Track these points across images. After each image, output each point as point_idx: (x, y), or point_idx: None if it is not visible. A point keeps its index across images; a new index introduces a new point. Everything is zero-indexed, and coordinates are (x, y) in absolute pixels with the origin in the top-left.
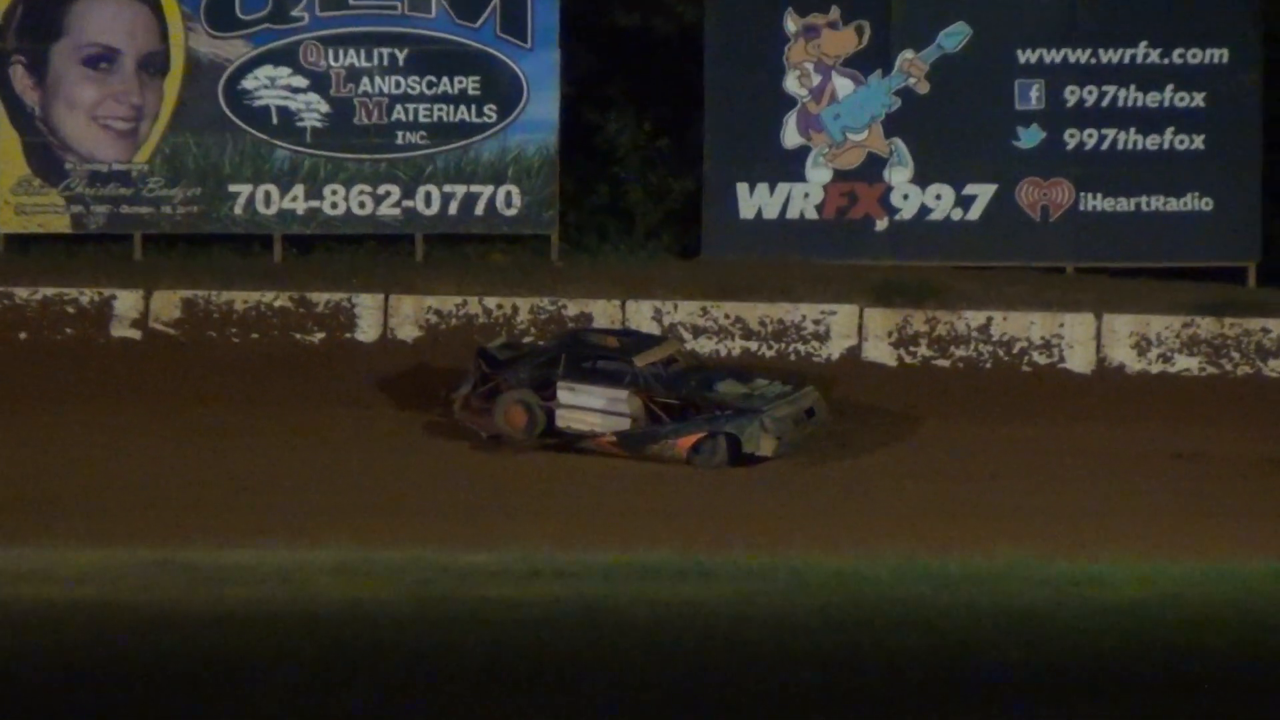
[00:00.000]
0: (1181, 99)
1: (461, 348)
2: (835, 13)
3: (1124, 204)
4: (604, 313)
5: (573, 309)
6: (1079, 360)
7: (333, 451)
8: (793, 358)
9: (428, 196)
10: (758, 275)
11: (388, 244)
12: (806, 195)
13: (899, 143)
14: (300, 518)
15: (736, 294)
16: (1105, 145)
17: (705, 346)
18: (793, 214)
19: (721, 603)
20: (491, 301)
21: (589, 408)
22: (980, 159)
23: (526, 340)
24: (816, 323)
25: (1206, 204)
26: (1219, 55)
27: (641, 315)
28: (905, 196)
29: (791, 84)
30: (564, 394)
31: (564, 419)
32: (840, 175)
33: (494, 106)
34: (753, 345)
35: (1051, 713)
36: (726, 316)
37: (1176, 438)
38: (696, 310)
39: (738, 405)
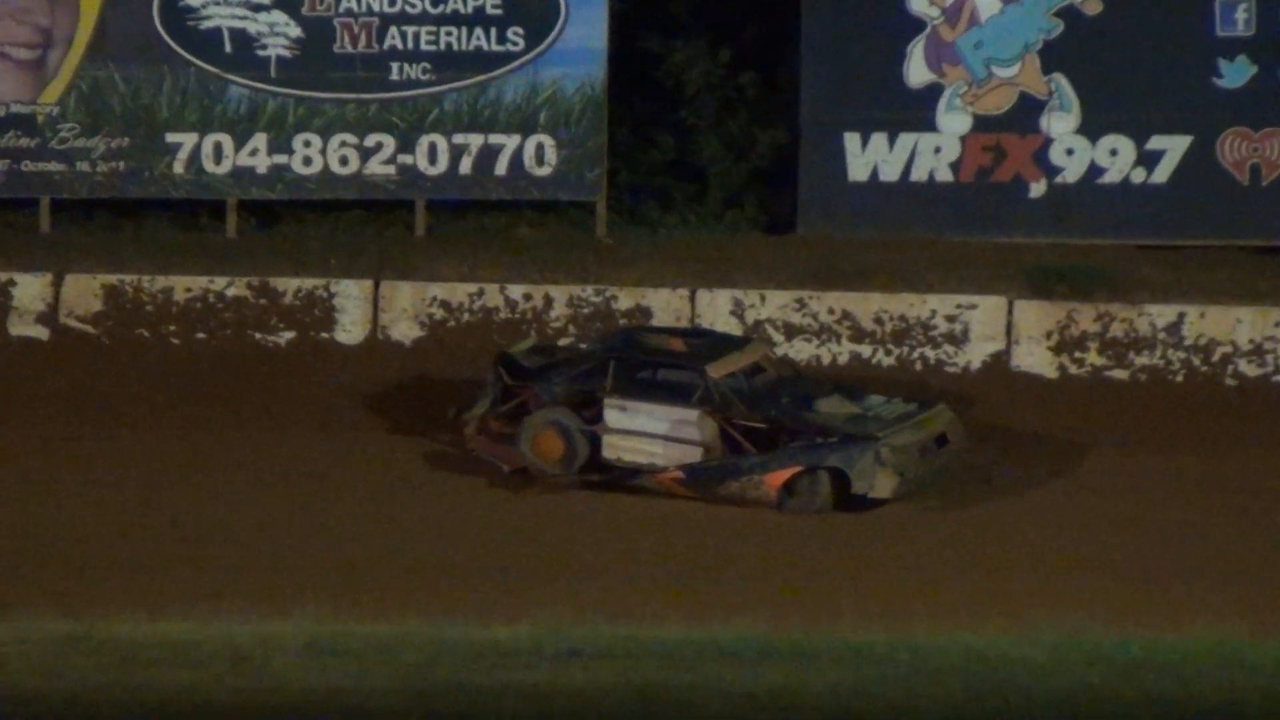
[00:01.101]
0: None
1: (476, 352)
2: None
3: None
4: (667, 306)
5: (625, 301)
6: None
7: (304, 489)
8: (918, 366)
9: (432, 151)
10: (872, 257)
11: (379, 214)
12: (938, 150)
13: (1061, 80)
14: (261, 578)
15: (844, 282)
16: None
17: (802, 352)
18: (919, 175)
19: (823, 693)
20: (517, 290)
21: (646, 433)
22: (1170, 103)
23: (563, 343)
24: (951, 320)
25: None
26: None
27: (717, 310)
28: (1069, 152)
29: (919, 1)
30: (613, 415)
31: (613, 448)
32: (983, 124)
33: (520, 30)
34: (865, 350)
35: None
36: (830, 312)
37: None
38: (790, 303)
39: (845, 430)
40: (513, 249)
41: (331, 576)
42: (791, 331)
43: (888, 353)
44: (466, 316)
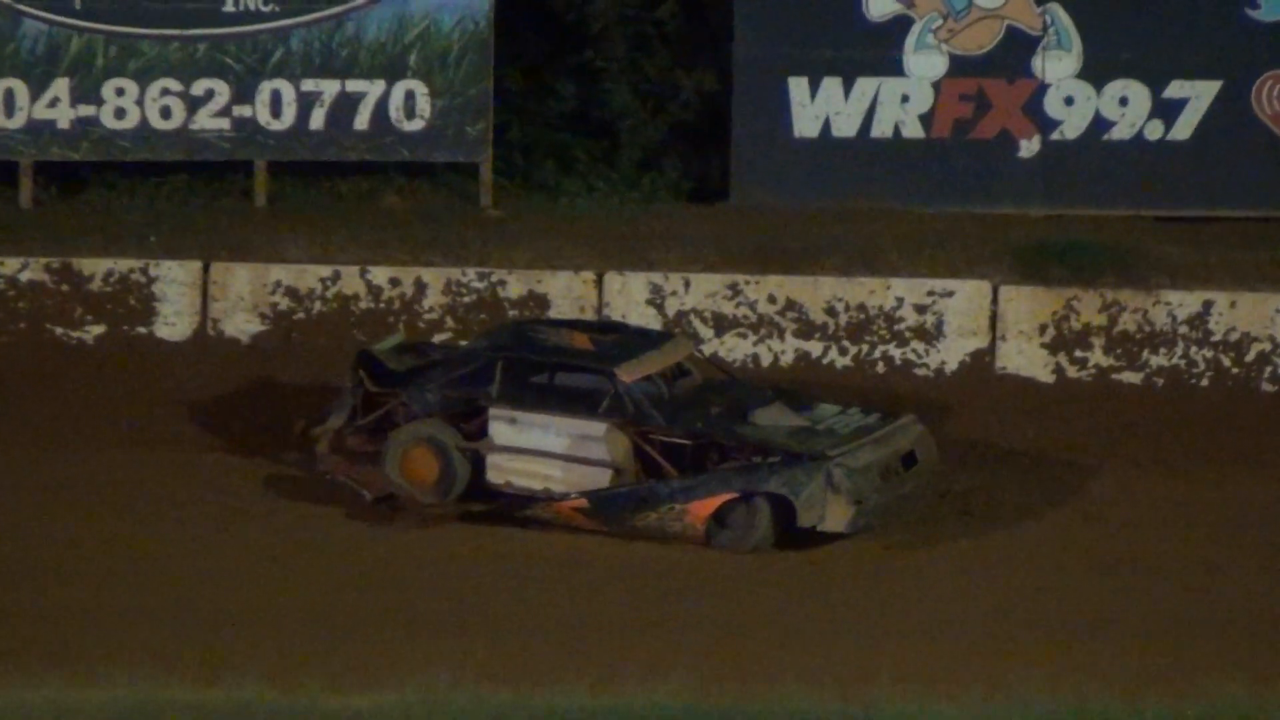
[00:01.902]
0: None
1: (330, 351)
2: None
3: None
4: (568, 293)
5: (516, 287)
6: None
7: (114, 522)
8: (881, 368)
9: (275, 101)
10: (823, 232)
11: (209, 179)
12: (905, 99)
13: (1058, 12)
14: (57, 633)
15: (788, 263)
16: None
17: (736, 350)
18: (881, 130)
19: None
20: (381, 274)
21: (542, 451)
22: (1193, 40)
23: (438, 340)
24: (921, 310)
25: None
26: None
27: (630, 298)
28: (1068, 101)
29: None
30: (500, 429)
31: (500, 470)
32: (961, 65)
33: None
34: (815, 348)
35: None
36: (771, 300)
37: None
38: (721, 290)
39: (789, 447)
40: (376, 223)
41: (147, 630)
42: (723, 325)
43: (842, 351)
44: (319, 307)
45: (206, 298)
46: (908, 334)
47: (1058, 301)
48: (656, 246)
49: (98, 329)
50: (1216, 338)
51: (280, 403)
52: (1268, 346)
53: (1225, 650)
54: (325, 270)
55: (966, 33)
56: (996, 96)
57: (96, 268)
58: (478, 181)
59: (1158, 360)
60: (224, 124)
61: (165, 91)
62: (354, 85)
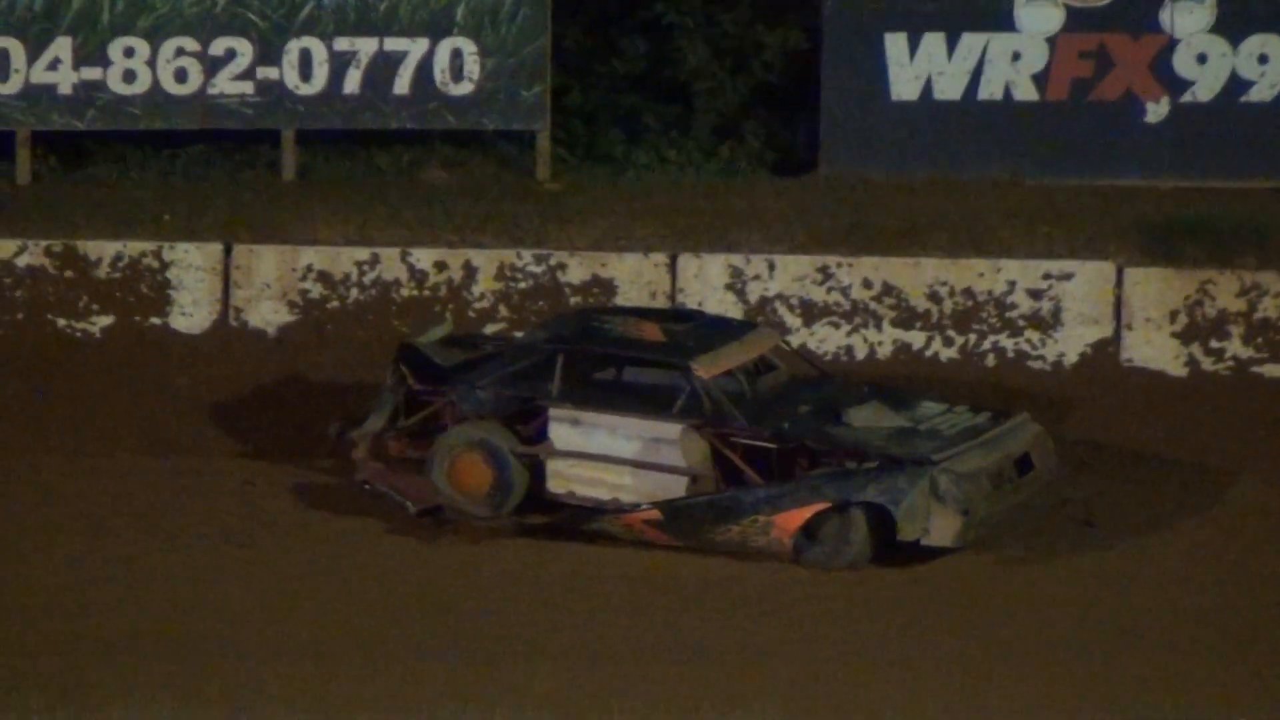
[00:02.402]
0: None
1: (368, 344)
2: None
3: None
4: (637, 278)
5: (577, 270)
6: None
7: (126, 537)
8: (991, 361)
9: (304, 61)
10: (924, 207)
11: (230, 150)
12: (1017, 57)
13: None
14: (65, 663)
15: (885, 243)
16: None
17: (828, 341)
18: (990, 92)
19: None
20: (426, 257)
21: (609, 457)
22: None
23: (491, 331)
24: (1036, 295)
25: None
26: None
27: (708, 283)
28: (1200, 59)
29: None
30: (562, 431)
31: (561, 478)
32: (1080, 19)
33: None
34: (916, 338)
35: None
36: (866, 285)
37: None
38: (810, 273)
39: (889, 451)
40: (419, 200)
41: (162, 660)
42: (812, 312)
43: (948, 342)
44: (355, 294)
45: (228, 284)
46: (1021, 322)
47: (1190, 285)
48: (736, 224)
49: (105, 320)
50: None
51: (311, 403)
52: None
53: None
54: (362, 253)
55: None
56: (1120, 53)
57: (103, 251)
58: (534, 152)
59: None
60: (247, 88)
61: (180, 51)
62: (393, 44)
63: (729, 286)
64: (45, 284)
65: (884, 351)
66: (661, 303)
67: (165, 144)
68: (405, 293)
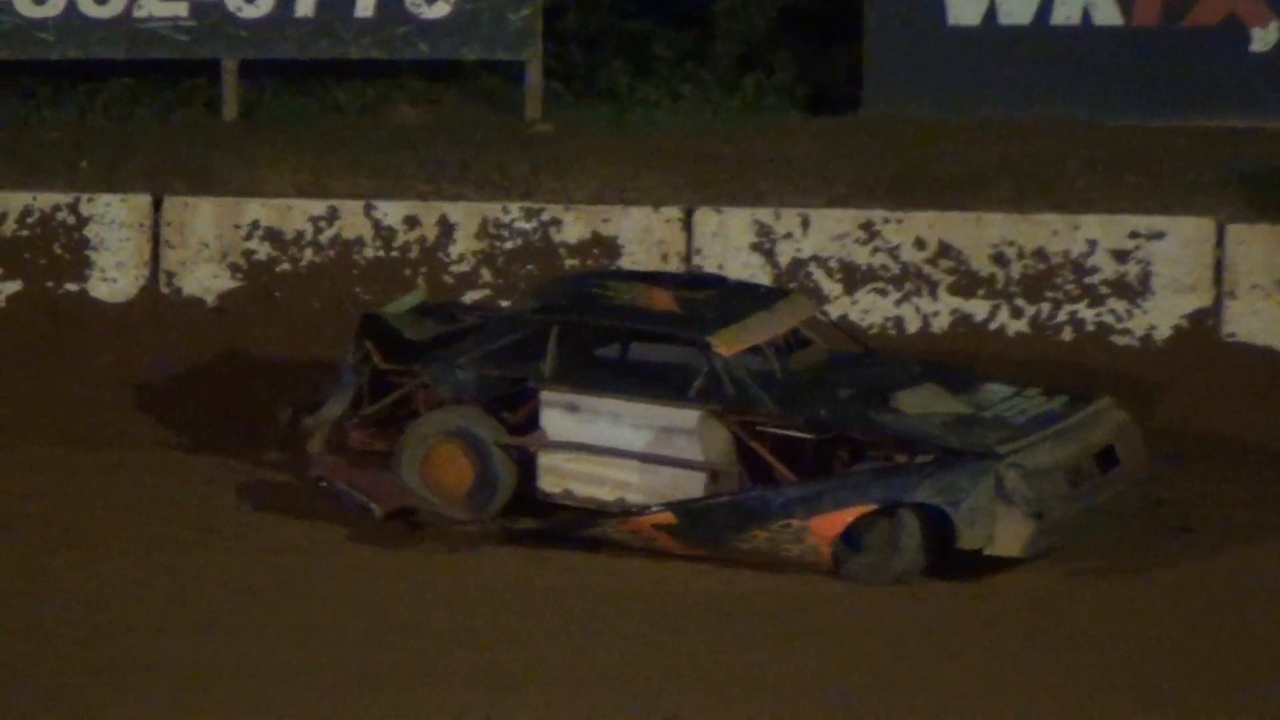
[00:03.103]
0: None
1: (325, 315)
2: None
3: None
4: (645, 235)
5: (575, 226)
6: None
7: (36, 543)
8: (1067, 335)
9: None
10: (988, 153)
11: (161, 85)
12: None
13: None
14: None
15: (941, 194)
16: None
17: (873, 310)
18: (1065, 15)
19: None
20: (393, 210)
21: (612, 449)
22: None
23: (471, 300)
24: (1121, 257)
25: None
26: None
27: (730, 241)
28: None
29: None
30: (556, 418)
31: (556, 475)
32: None
33: None
34: (978, 307)
35: None
36: (919, 245)
37: None
38: (852, 229)
39: (946, 442)
40: (387, 143)
41: (68, 696)
42: (855, 277)
43: (1016, 312)
44: (309, 255)
45: (158, 244)
46: (1103, 289)
47: None
48: (764, 173)
49: (11, 286)
50: None
51: (258, 385)
52: None
53: None
54: (318, 207)
55: None
56: None
57: (8, 205)
58: (522, 87)
59: None
60: (180, 9)
61: None
62: None
63: (755, 246)
64: None
65: (940, 323)
66: (674, 266)
67: (83, 77)
68: (369, 253)
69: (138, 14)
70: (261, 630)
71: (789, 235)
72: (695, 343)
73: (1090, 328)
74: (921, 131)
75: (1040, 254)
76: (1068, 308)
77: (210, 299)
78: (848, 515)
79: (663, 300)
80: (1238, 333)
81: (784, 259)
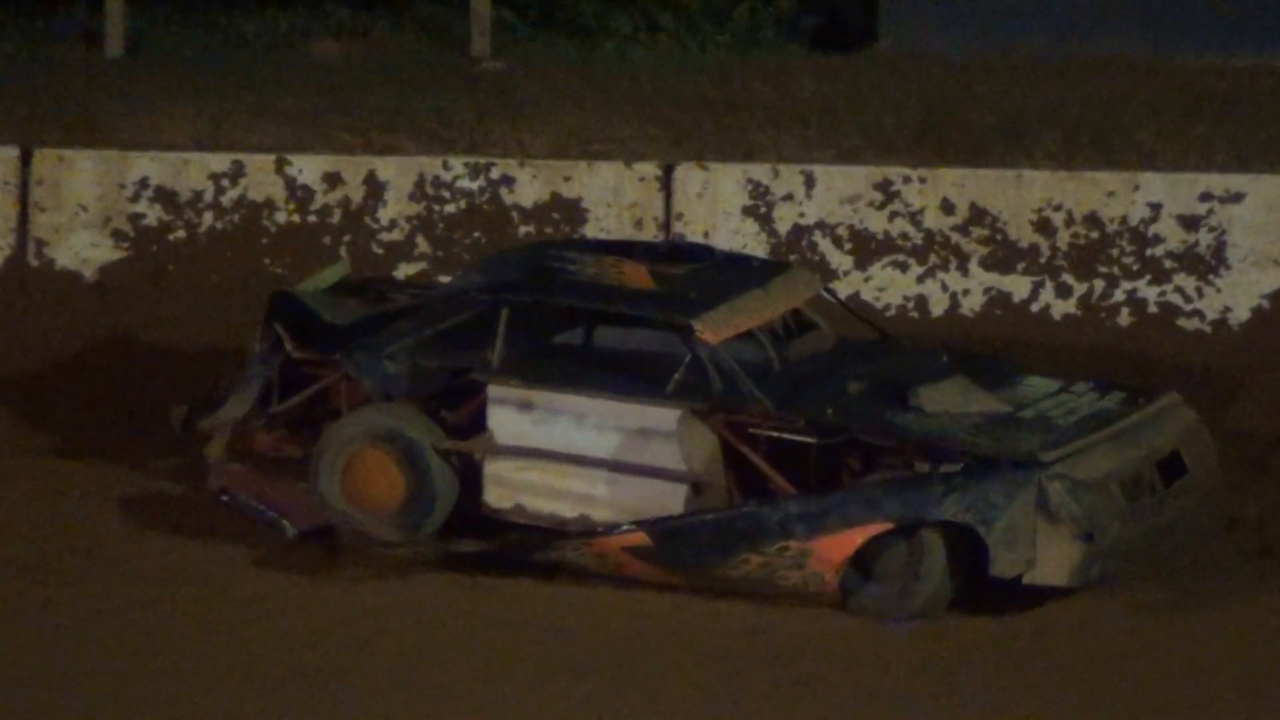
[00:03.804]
0: None
1: (229, 291)
2: None
3: None
4: (615, 196)
5: (530, 186)
6: None
7: None
8: (1125, 318)
9: None
10: (1029, 97)
11: (29, 12)
12: None
13: None
14: None
15: (973, 147)
16: None
17: (891, 288)
18: None
19: None
20: (311, 166)
21: (574, 456)
22: None
23: (405, 275)
24: (1190, 224)
25: None
26: None
27: (718, 204)
28: None
29: None
30: (507, 418)
31: (506, 487)
32: None
33: None
34: (1017, 285)
35: None
36: (947, 208)
37: None
38: (865, 190)
39: (976, 448)
40: (303, 85)
41: None
42: (869, 248)
43: (1063, 291)
44: (209, 220)
45: (26, 206)
46: (1168, 263)
47: None
48: (759, 122)
49: None
50: None
51: (146, 376)
52: None
53: None
54: (220, 161)
55: None
56: None
57: None
58: (468, 16)
59: None
60: None
61: None
62: None
63: (749, 211)
64: None
65: (971, 303)
66: (651, 234)
67: None
68: (282, 218)
69: None
70: (142, 675)
71: (789, 197)
72: (675, 327)
73: (1153, 309)
74: (949, 71)
75: (1093, 220)
76: (1125, 285)
77: (89, 273)
78: (858, 536)
79: (636, 276)
80: None
81: (783, 226)
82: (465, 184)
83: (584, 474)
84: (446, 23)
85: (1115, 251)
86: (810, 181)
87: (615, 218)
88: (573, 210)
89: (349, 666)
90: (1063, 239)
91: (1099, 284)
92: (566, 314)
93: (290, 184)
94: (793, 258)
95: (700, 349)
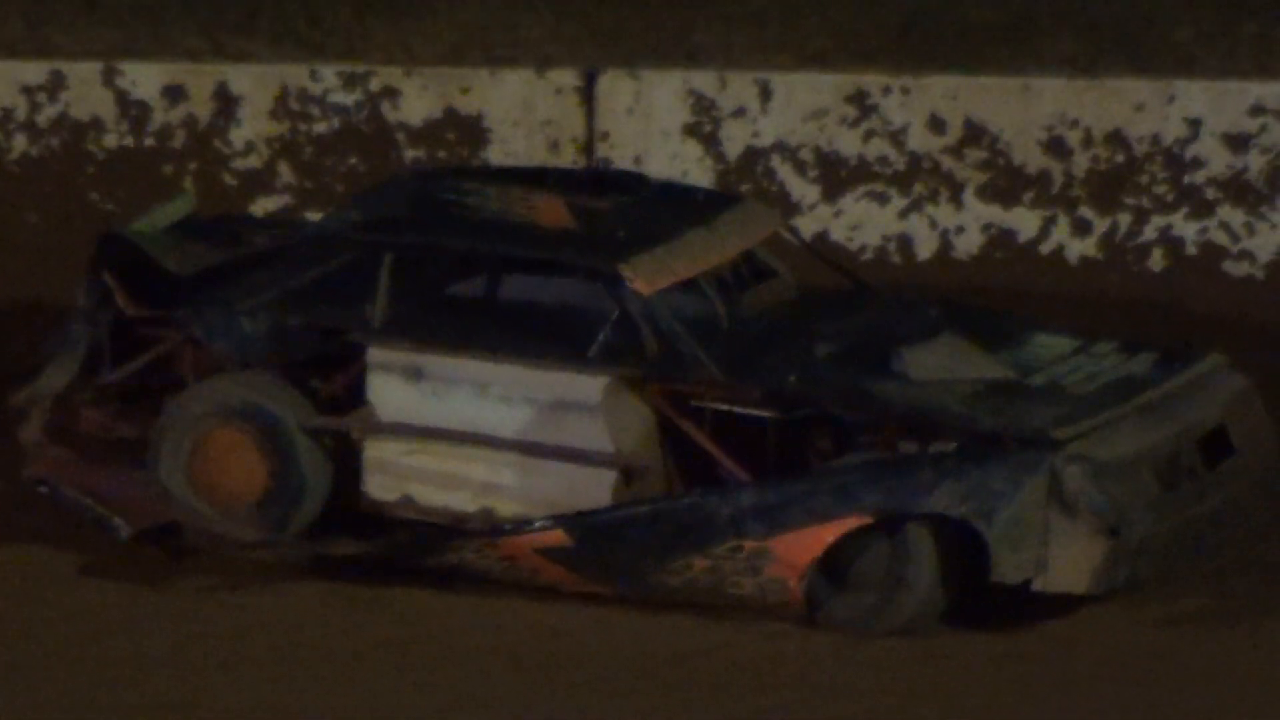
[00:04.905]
0: None
1: (48, 231)
2: None
3: None
4: (524, 112)
5: (419, 100)
6: None
7: None
8: (1157, 261)
9: None
10: None
11: None
12: None
13: None
14: None
15: (965, 49)
16: None
17: (865, 225)
18: None
19: None
20: (148, 76)
21: (474, 434)
22: None
23: (264, 212)
24: (1237, 144)
25: None
26: None
27: (653, 121)
28: None
29: None
30: (391, 389)
31: (392, 474)
32: None
33: None
34: (1023, 220)
35: None
36: (935, 125)
37: None
38: (834, 103)
39: (974, 422)
40: None
41: None
42: (839, 176)
43: (1080, 228)
44: (22, 145)
45: None
46: (1211, 192)
47: None
48: (704, 16)
49: None
50: None
51: None
52: None
53: None
54: (34, 72)
55: None
56: None
57: None
58: None
59: None
60: None
61: None
62: None
63: (690, 129)
64: None
65: (967, 244)
66: (569, 159)
67: None
68: (111, 141)
69: None
70: None
71: (740, 112)
72: (600, 274)
73: (1191, 250)
74: None
75: (1117, 139)
76: (1157, 220)
77: None
78: (828, 533)
79: (551, 211)
80: None
81: (733, 148)
82: (338, 98)
83: (488, 458)
84: None
85: (1145, 179)
86: (766, 93)
87: (525, 139)
88: (472, 129)
89: (196, 699)
90: (1080, 163)
91: (1124, 219)
92: (465, 259)
93: (121, 98)
94: (745, 188)
95: (631, 302)
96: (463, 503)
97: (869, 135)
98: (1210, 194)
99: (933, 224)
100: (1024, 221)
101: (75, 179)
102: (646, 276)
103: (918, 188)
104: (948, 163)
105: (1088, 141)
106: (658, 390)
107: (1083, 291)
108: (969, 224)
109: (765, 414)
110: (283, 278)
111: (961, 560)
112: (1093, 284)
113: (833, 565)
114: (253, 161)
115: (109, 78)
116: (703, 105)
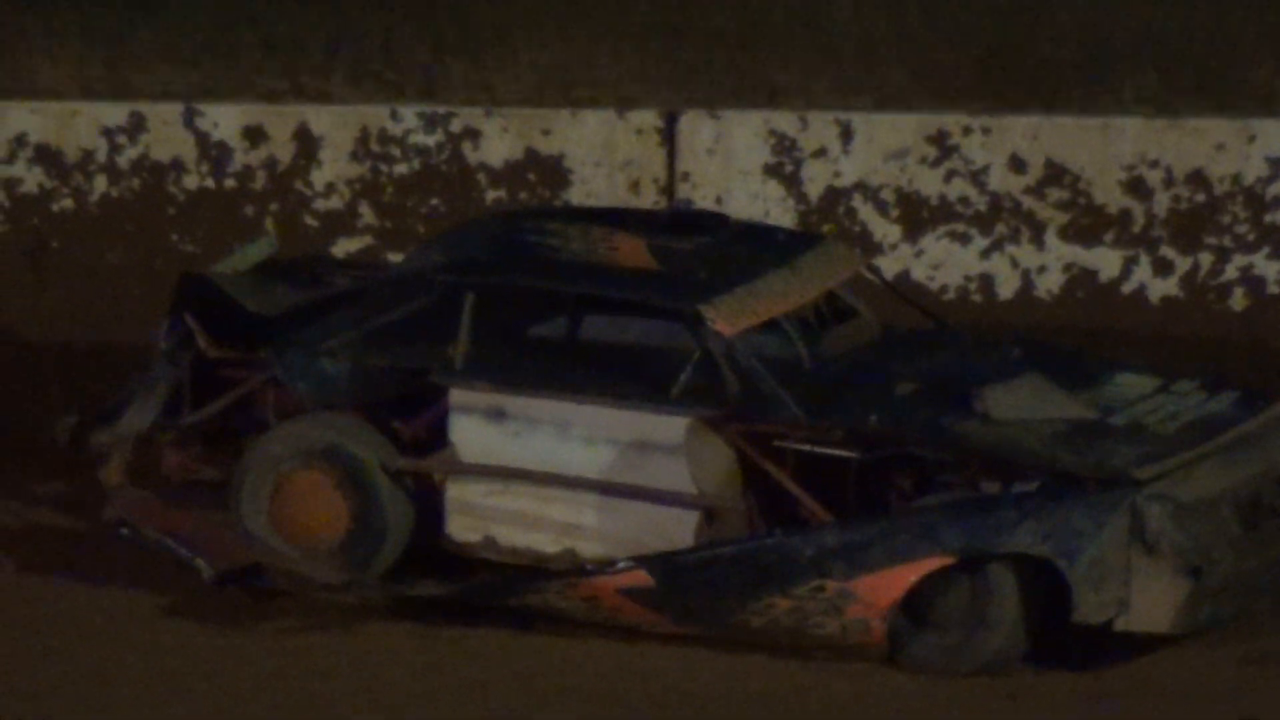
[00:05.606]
0: None
1: (128, 272)
2: None
3: None
4: (605, 152)
5: (499, 142)
6: None
7: None
8: (1239, 301)
9: None
10: (1117, 23)
11: None
12: None
13: None
14: None
15: (1048, 89)
16: None
17: (947, 265)
18: None
19: None
20: (228, 118)
21: (556, 476)
22: None
23: (345, 253)
24: None
25: None
26: None
27: (732, 162)
28: None
29: None
30: (473, 431)
31: (473, 515)
32: None
33: None
34: (1105, 260)
35: None
36: (1016, 165)
37: None
38: (916, 142)
39: (1056, 462)
40: (215, 16)
41: None
42: (920, 216)
43: (1162, 268)
44: (101, 186)
45: None
46: None
47: None
48: (783, 57)
49: None
50: None
51: (25, 380)
52: None
53: None
54: (114, 113)
55: None
56: None
57: None
58: None
59: None
60: None
61: None
62: None
63: (771, 170)
64: None
65: (1049, 284)
66: (650, 199)
67: None
68: (191, 183)
69: None
70: None
71: (822, 153)
72: (681, 315)
73: (1273, 289)
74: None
75: (1198, 178)
76: (1239, 259)
77: None
78: (911, 573)
79: (632, 252)
80: None
81: (814, 188)
82: (419, 139)
83: (570, 499)
84: None
85: (1226, 218)
86: (847, 133)
87: (605, 179)
88: (553, 170)
89: None
90: (1161, 203)
91: (1206, 258)
92: (546, 300)
93: (202, 140)
94: (826, 228)
95: (712, 342)
96: (545, 543)
97: (950, 175)
98: None
99: (1014, 264)
100: (1105, 261)
101: (156, 220)
102: (728, 317)
103: (999, 228)
104: (1029, 202)
105: (1169, 181)
106: (739, 430)
107: (1164, 331)
108: (1050, 264)
109: (847, 454)
110: (364, 319)
111: (1043, 600)
112: (1174, 324)
113: (915, 605)
114: (334, 203)
115: (189, 119)
116: (783, 145)
